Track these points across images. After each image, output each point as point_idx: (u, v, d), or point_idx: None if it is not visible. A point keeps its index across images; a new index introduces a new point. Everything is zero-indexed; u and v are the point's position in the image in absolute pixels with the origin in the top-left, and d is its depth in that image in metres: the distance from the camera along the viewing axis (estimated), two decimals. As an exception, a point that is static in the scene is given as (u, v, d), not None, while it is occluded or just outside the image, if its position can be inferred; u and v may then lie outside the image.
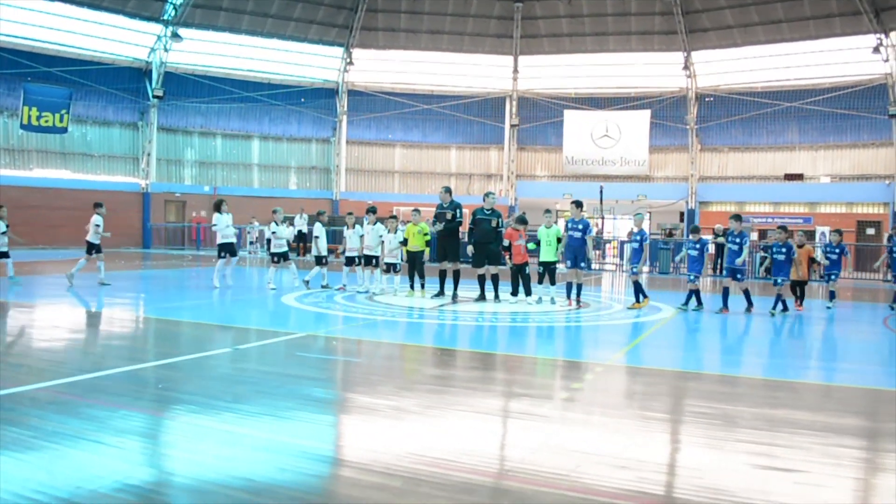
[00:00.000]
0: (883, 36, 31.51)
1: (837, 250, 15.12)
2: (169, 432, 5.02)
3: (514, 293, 13.88)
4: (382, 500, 3.79)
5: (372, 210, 15.62)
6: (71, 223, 33.18)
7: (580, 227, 13.58)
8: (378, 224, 15.35)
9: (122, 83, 35.18)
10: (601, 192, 30.97)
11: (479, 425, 5.25)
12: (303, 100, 38.76)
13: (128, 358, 7.61)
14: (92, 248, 15.19)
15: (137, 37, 34.52)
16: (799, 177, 36.24)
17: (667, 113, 37.95)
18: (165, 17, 33.90)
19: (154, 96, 35.00)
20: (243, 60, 37.27)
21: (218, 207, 15.59)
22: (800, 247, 14.03)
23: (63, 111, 32.63)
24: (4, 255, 15.06)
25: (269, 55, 37.52)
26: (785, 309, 13.08)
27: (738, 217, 13.63)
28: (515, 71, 38.49)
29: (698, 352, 9.69)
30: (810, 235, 32.72)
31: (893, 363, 8.88)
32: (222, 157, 38.43)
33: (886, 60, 32.10)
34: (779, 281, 13.41)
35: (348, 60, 37.93)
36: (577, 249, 13.48)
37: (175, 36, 34.11)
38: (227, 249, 15.38)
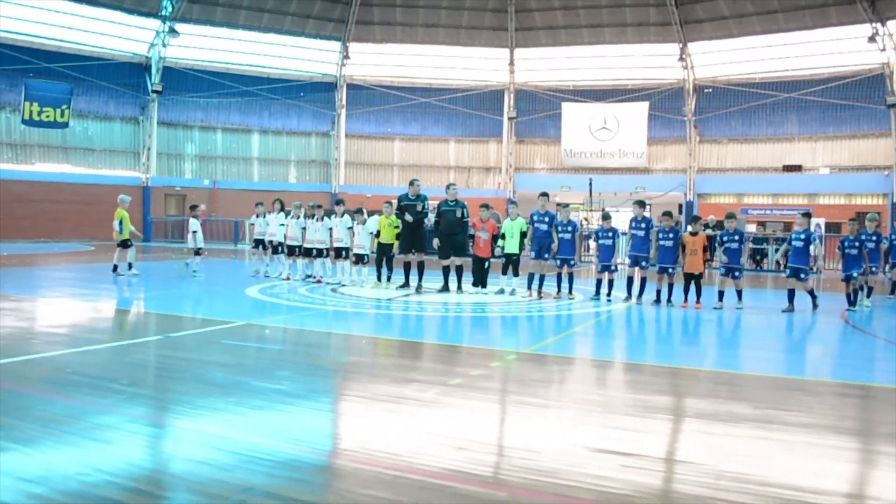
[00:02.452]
0: (879, 25, 31.23)
1: (736, 237, 12.68)
2: (46, 412, 5.23)
3: (476, 283, 14.05)
4: (208, 474, 3.98)
5: (340, 202, 15.97)
6: (73, 217, 33.87)
7: (546, 219, 13.70)
8: (346, 216, 15.58)
9: (122, 78, 35.65)
10: (590, 184, 30.99)
11: (349, 409, 5.45)
12: (302, 94, 39.03)
13: (57, 343, 7.87)
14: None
15: (136, 32, 34.97)
16: (798, 168, 36.03)
17: (665, 105, 37.84)
18: (163, 13, 34.28)
19: (153, 91, 35.44)
20: (242, 55, 37.60)
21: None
22: (693, 234, 12.62)
23: (64, 106, 33.13)
24: (199, 251, 16.50)
25: (268, 50, 37.83)
26: (657, 301, 12.65)
27: (641, 203, 13.45)
28: (511, 64, 38.53)
29: (620, 342, 9.67)
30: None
31: (800, 352, 8.98)
32: (222, 152, 38.83)
33: (883, 50, 31.81)
34: (670, 271, 12.66)
35: (345, 54, 38.16)
36: (542, 241, 13.61)
37: (172, 31, 34.49)
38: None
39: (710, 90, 37.11)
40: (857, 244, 12.93)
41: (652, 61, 37.52)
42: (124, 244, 16.20)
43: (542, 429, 5.12)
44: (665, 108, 37.85)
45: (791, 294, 12.32)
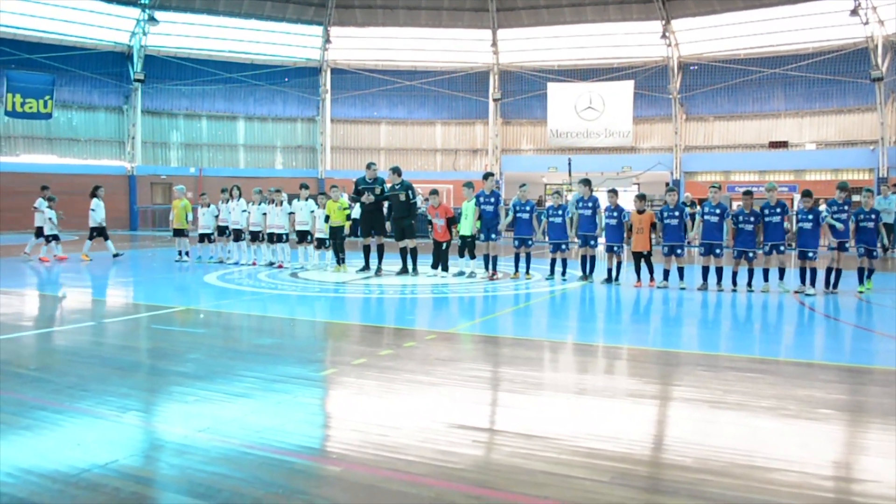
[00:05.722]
0: (861, -3, 30.98)
1: (677, 213, 12.09)
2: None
3: (434, 266, 14.09)
4: (65, 452, 4.07)
5: (304, 186, 16.04)
6: (58, 207, 33.94)
7: (492, 199, 13.72)
8: (309, 200, 15.67)
9: (105, 68, 35.70)
10: (569, 164, 30.94)
11: (235, 389, 5.51)
12: (286, 79, 39.04)
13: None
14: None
15: (117, 21, 34.96)
16: (784, 144, 35.90)
17: (650, 83, 37.70)
18: (142, 1, 34.20)
19: (135, 80, 35.45)
20: (225, 42, 37.59)
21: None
22: (639, 213, 12.40)
23: (47, 97, 33.19)
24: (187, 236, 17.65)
25: (251, 36, 37.79)
26: (608, 280, 12.54)
27: (586, 182, 13.30)
28: (494, 44, 38.38)
29: (546, 321, 9.52)
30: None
31: (727, 328, 9.05)
32: (208, 139, 38.90)
33: (866, 23, 31.56)
34: (615, 249, 12.70)
35: (327, 39, 38.08)
36: (490, 222, 13.58)
37: (151, 19, 34.41)
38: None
39: (695, 67, 36.94)
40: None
41: (635, 39, 37.32)
42: (177, 233, 17.43)
43: (415, 406, 5.19)
44: (650, 87, 37.71)
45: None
